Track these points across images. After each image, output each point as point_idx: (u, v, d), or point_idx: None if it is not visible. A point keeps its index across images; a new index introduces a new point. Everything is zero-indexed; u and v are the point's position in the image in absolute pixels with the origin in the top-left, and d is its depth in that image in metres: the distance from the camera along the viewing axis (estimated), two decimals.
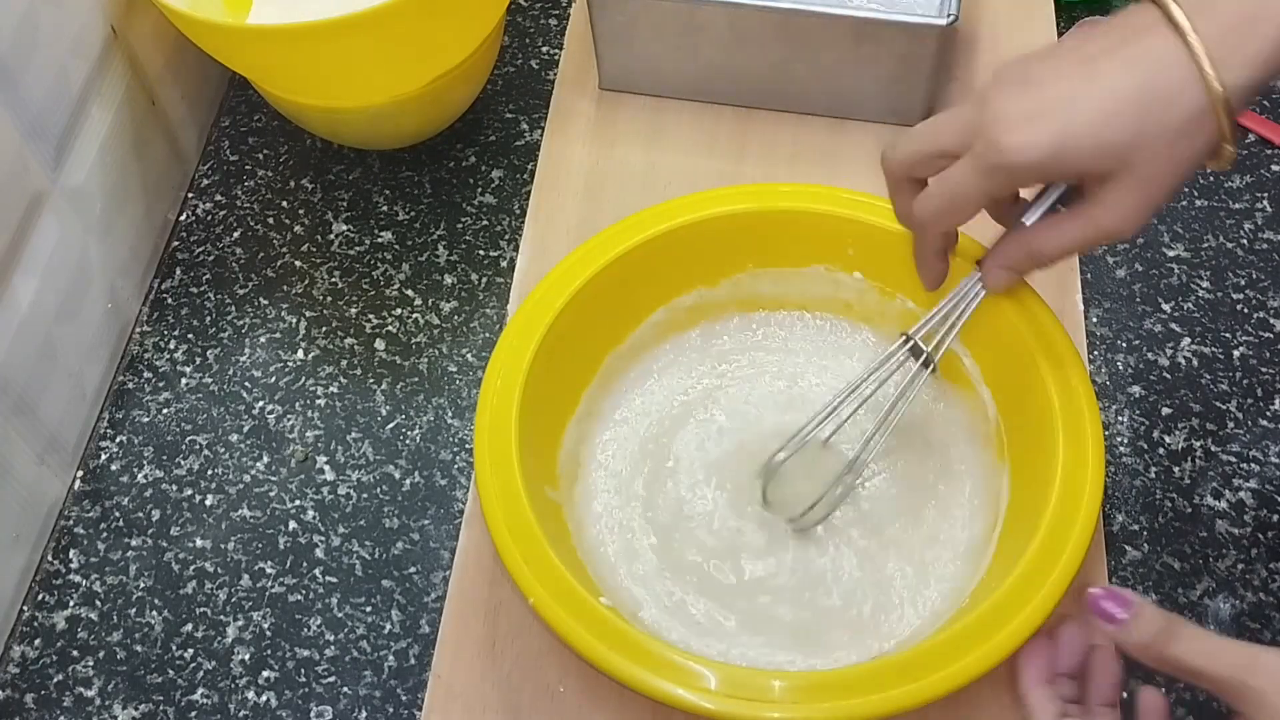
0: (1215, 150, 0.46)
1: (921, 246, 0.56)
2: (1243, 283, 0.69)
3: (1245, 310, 0.68)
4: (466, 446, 0.65)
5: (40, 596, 0.61)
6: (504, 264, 0.72)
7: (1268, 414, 0.65)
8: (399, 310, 0.70)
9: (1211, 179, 0.73)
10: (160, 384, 0.68)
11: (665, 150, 0.75)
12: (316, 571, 0.62)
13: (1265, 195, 0.72)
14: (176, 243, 0.74)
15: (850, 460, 0.59)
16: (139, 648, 0.60)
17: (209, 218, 0.75)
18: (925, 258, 0.56)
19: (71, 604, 0.61)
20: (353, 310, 0.70)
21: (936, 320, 0.56)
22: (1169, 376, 0.66)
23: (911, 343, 0.57)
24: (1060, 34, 0.80)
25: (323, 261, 0.72)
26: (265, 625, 0.60)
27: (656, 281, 0.64)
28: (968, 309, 0.56)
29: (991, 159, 0.47)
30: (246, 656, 0.59)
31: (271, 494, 0.64)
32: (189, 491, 0.64)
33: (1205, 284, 0.69)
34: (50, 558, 0.63)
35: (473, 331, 0.69)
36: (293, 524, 0.63)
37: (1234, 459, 0.63)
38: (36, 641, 0.60)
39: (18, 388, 0.59)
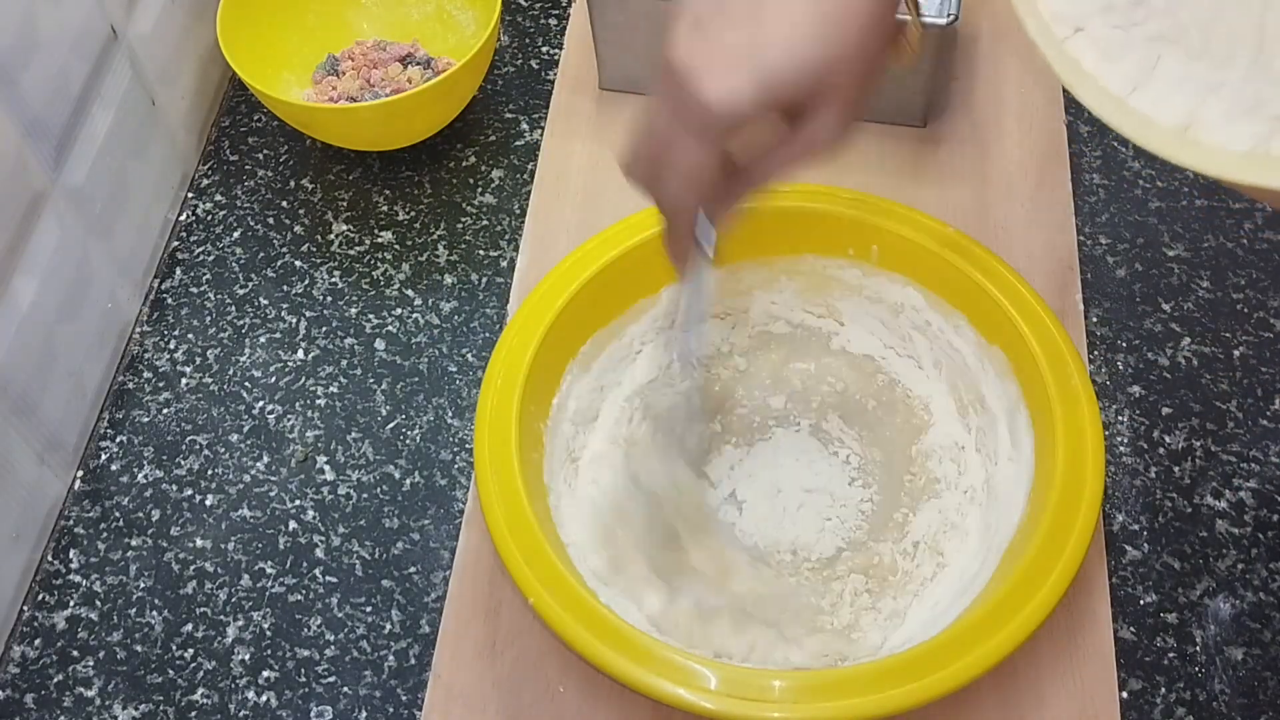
0: (895, 32, 0.46)
1: (676, 230, 0.52)
2: (1243, 283, 0.69)
3: (1245, 310, 0.68)
4: (466, 446, 0.65)
5: (40, 596, 0.61)
6: (504, 264, 0.72)
7: (1268, 414, 0.64)
8: (399, 310, 0.70)
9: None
10: (160, 384, 0.68)
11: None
12: (317, 571, 0.62)
13: None
14: (176, 243, 0.74)
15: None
16: (139, 648, 0.60)
17: (209, 218, 0.75)
18: (680, 240, 0.53)
19: (72, 604, 0.61)
20: (353, 310, 0.70)
21: (683, 304, 0.56)
22: (1169, 376, 0.66)
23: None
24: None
25: (323, 261, 0.72)
26: (265, 625, 0.60)
27: (656, 281, 0.64)
28: (708, 284, 0.55)
29: (704, 120, 0.46)
30: (246, 656, 0.59)
31: (271, 494, 0.64)
32: (189, 491, 0.64)
33: (1205, 284, 0.69)
34: (50, 558, 0.63)
35: (473, 331, 0.69)
36: (293, 524, 0.63)
37: (1234, 459, 0.63)
38: (36, 641, 0.60)
39: (18, 388, 0.59)
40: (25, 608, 0.61)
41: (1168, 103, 0.40)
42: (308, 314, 0.70)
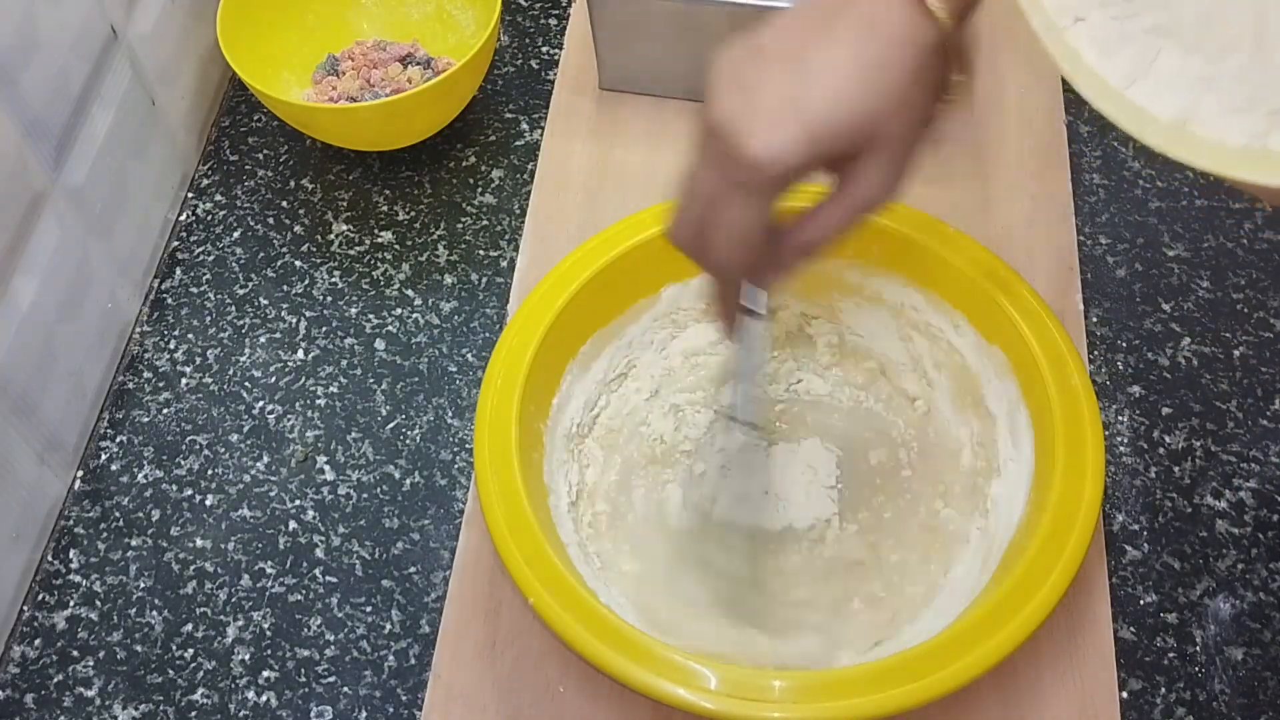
0: (945, 85, 0.45)
1: (724, 294, 0.52)
2: (1243, 282, 0.69)
3: (1245, 310, 0.68)
4: (466, 446, 0.65)
5: (40, 596, 0.61)
6: (504, 264, 0.72)
7: (1268, 414, 0.64)
8: (399, 310, 0.70)
9: (1211, 178, 0.73)
10: (160, 384, 0.68)
11: (665, 150, 0.75)
12: (317, 571, 0.62)
13: None
14: (176, 243, 0.74)
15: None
16: (139, 648, 0.60)
17: (209, 218, 0.75)
18: (730, 305, 0.52)
19: (72, 604, 0.61)
20: (353, 310, 0.70)
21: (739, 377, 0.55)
22: (1169, 376, 0.66)
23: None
24: None
25: (323, 261, 0.72)
26: (265, 625, 0.60)
27: (657, 281, 0.64)
28: (760, 347, 0.54)
29: (752, 178, 0.44)
30: (246, 656, 0.59)
31: (271, 494, 0.64)
32: (189, 491, 0.64)
33: (1205, 284, 0.69)
34: (50, 558, 0.63)
35: (473, 331, 0.69)
36: (293, 524, 0.63)
37: (1234, 459, 0.63)
38: (37, 641, 0.60)
39: (18, 388, 0.59)
40: (25, 608, 0.61)
41: (1165, 96, 0.40)
42: (308, 314, 0.70)
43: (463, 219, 0.74)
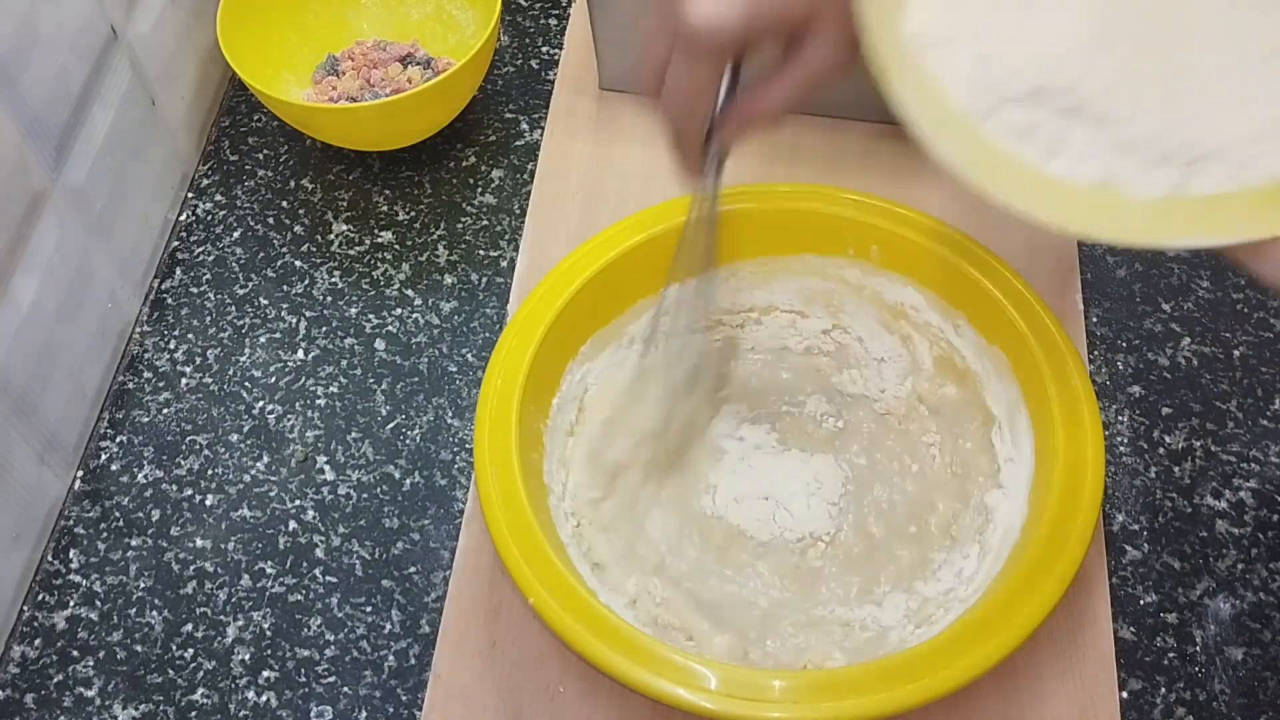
0: None
1: (684, 142, 0.53)
2: (1243, 282, 0.69)
3: (1245, 310, 0.68)
4: (466, 446, 0.65)
5: (40, 596, 0.61)
6: (504, 264, 0.72)
7: (1268, 414, 0.65)
8: (399, 310, 0.70)
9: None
10: (160, 384, 0.68)
11: (664, 150, 0.75)
12: (317, 571, 0.62)
13: None
14: (176, 243, 0.74)
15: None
16: (139, 648, 0.60)
17: (209, 218, 0.75)
18: (690, 151, 0.54)
19: (72, 604, 0.61)
20: (353, 310, 0.70)
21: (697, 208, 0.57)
22: (1169, 376, 0.66)
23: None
24: None
25: (323, 261, 0.72)
26: (265, 625, 0.60)
27: (657, 282, 0.64)
28: (715, 171, 0.55)
29: (693, 43, 0.47)
30: (247, 656, 0.59)
31: (271, 494, 0.64)
32: (189, 491, 0.64)
33: (1205, 284, 0.69)
34: (50, 558, 0.63)
35: (473, 331, 0.69)
36: (293, 524, 0.63)
37: (1234, 459, 0.63)
38: (36, 641, 0.60)
39: (18, 388, 0.59)
40: (25, 608, 0.61)
41: (1083, 166, 0.42)
42: (308, 314, 0.70)
43: (463, 219, 0.74)
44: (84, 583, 0.62)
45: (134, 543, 0.63)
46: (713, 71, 0.49)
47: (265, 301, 0.71)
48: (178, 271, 0.73)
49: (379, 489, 0.64)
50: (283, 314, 0.71)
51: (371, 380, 0.68)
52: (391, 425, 0.66)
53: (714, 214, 0.57)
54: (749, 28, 0.46)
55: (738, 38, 0.47)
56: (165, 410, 0.67)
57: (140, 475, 0.65)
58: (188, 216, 0.75)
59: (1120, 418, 0.65)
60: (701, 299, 0.62)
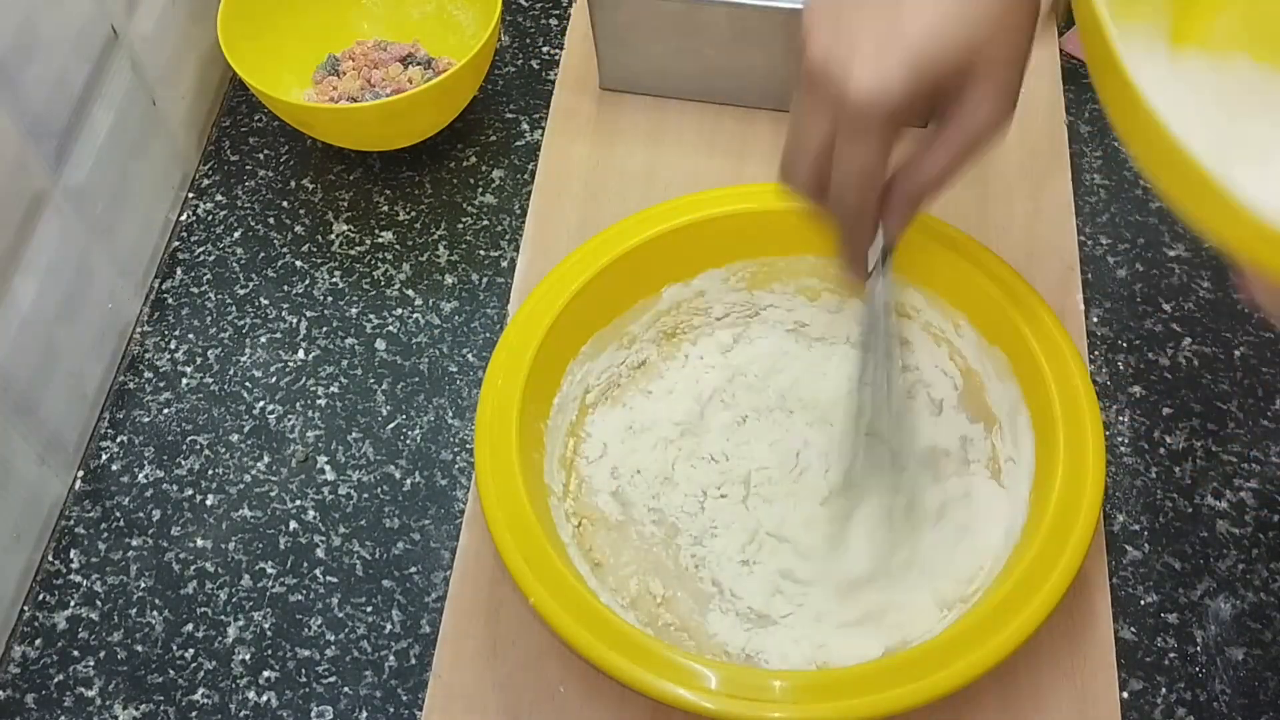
0: (1040, 3, 0.45)
1: (855, 239, 0.51)
2: None
3: (1246, 310, 0.68)
4: (467, 446, 0.65)
5: (41, 596, 0.61)
6: (504, 264, 0.72)
7: (1268, 414, 0.64)
8: (399, 310, 0.70)
9: None
10: (161, 384, 0.68)
11: (665, 150, 0.75)
12: (317, 571, 0.62)
13: None
14: (177, 243, 0.74)
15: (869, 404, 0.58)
16: (139, 648, 0.60)
17: (209, 218, 0.75)
18: (860, 248, 0.52)
19: (72, 604, 0.61)
20: (353, 310, 0.70)
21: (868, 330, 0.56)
22: (1169, 376, 0.66)
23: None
24: (1060, 35, 0.80)
25: (323, 261, 0.72)
26: (266, 625, 0.60)
27: (657, 282, 0.64)
28: (884, 266, 0.54)
29: (860, 118, 0.44)
30: (247, 656, 0.59)
31: (272, 494, 0.64)
32: (189, 491, 0.64)
33: (1206, 284, 0.69)
34: (51, 558, 0.63)
35: (473, 331, 0.69)
36: (293, 524, 0.63)
37: (1234, 459, 0.63)
38: (37, 641, 0.60)
39: (18, 388, 0.59)
40: (26, 608, 0.61)
41: None
42: (308, 314, 0.70)
43: (463, 219, 0.74)
44: (84, 583, 0.62)
45: (134, 543, 0.63)
46: (885, 147, 0.45)
47: (266, 301, 0.71)
48: (178, 271, 0.73)
49: (379, 489, 0.64)
50: (283, 314, 0.71)
51: (372, 380, 0.68)
52: (392, 425, 0.66)
53: (890, 308, 0.54)
54: (915, 91, 0.44)
55: (905, 105, 0.44)
56: (166, 410, 0.67)
57: (141, 475, 0.65)
58: (188, 216, 0.75)
59: (1121, 418, 0.65)
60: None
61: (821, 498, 0.60)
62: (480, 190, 0.75)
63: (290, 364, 0.69)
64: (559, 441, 0.61)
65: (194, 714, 0.58)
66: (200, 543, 0.63)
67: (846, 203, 0.48)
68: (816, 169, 0.47)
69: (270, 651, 0.59)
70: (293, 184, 0.76)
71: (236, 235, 0.74)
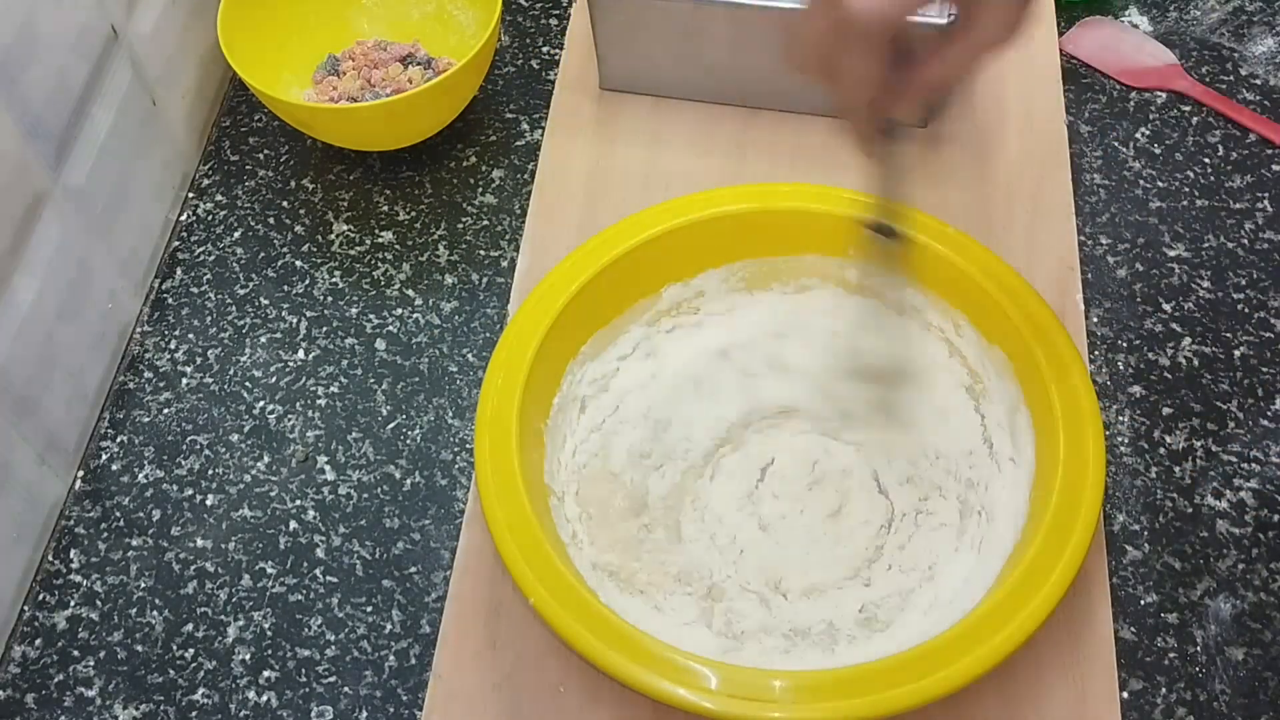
0: None
1: (858, 123, 0.53)
2: (1243, 282, 0.69)
3: (1246, 310, 0.68)
4: (467, 446, 0.65)
5: (41, 596, 0.61)
6: (504, 264, 0.72)
7: (1268, 414, 0.64)
8: (399, 310, 0.70)
9: (1212, 179, 0.73)
10: (161, 384, 0.68)
11: (665, 150, 0.75)
12: (317, 571, 0.62)
13: (1265, 195, 0.72)
14: (177, 243, 0.74)
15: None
16: (140, 648, 0.60)
17: (209, 218, 0.75)
18: (863, 129, 0.53)
19: (72, 604, 0.61)
20: (353, 310, 0.70)
21: (880, 194, 0.56)
22: (1169, 376, 0.66)
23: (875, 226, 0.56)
24: (1060, 35, 0.80)
25: (323, 261, 0.72)
26: (266, 625, 0.60)
27: (657, 281, 0.64)
28: (899, 166, 0.55)
29: (856, 27, 0.46)
30: (247, 656, 0.59)
31: (272, 494, 0.64)
32: (189, 491, 0.64)
33: (1206, 284, 0.69)
34: (51, 558, 0.63)
35: (473, 331, 0.69)
36: (293, 524, 0.63)
37: (1234, 459, 0.63)
38: (37, 641, 0.60)
39: (18, 388, 0.59)
40: (26, 608, 0.61)
41: None
42: (308, 314, 0.70)
43: (463, 219, 0.74)
44: (84, 583, 0.62)
45: (134, 543, 0.63)
46: (880, 54, 0.47)
47: (266, 301, 0.71)
48: (178, 271, 0.73)
49: (379, 489, 0.64)
50: (283, 314, 0.71)
51: (372, 380, 0.68)
52: (392, 425, 0.66)
53: (899, 172, 0.55)
54: (908, 8, 0.45)
55: (898, 21, 0.46)
56: (166, 410, 0.67)
57: (141, 475, 0.65)
58: (188, 216, 0.75)
59: (1121, 418, 0.65)
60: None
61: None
62: (480, 190, 0.75)
63: (290, 364, 0.69)
64: (559, 441, 0.61)
65: (194, 714, 0.58)
66: (200, 543, 0.63)
67: (847, 96, 0.50)
68: (815, 56, 0.49)
69: (270, 651, 0.59)
70: (293, 184, 0.76)
71: (236, 235, 0.74)
